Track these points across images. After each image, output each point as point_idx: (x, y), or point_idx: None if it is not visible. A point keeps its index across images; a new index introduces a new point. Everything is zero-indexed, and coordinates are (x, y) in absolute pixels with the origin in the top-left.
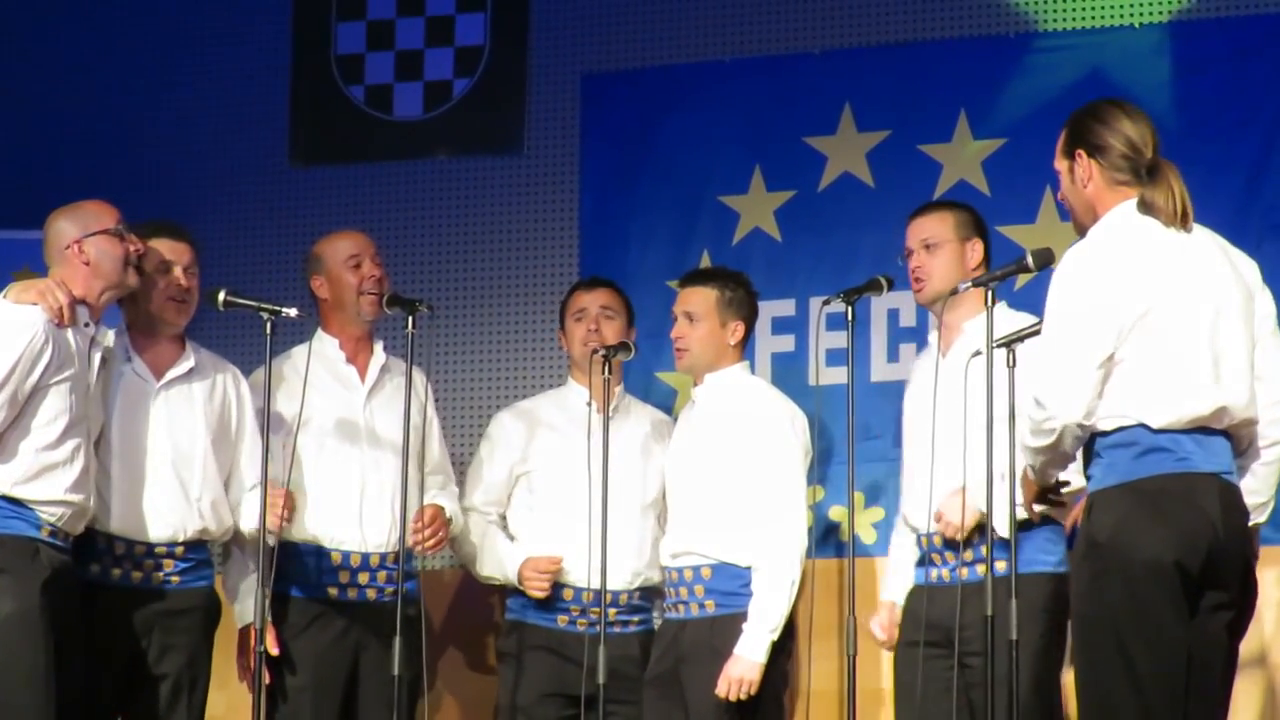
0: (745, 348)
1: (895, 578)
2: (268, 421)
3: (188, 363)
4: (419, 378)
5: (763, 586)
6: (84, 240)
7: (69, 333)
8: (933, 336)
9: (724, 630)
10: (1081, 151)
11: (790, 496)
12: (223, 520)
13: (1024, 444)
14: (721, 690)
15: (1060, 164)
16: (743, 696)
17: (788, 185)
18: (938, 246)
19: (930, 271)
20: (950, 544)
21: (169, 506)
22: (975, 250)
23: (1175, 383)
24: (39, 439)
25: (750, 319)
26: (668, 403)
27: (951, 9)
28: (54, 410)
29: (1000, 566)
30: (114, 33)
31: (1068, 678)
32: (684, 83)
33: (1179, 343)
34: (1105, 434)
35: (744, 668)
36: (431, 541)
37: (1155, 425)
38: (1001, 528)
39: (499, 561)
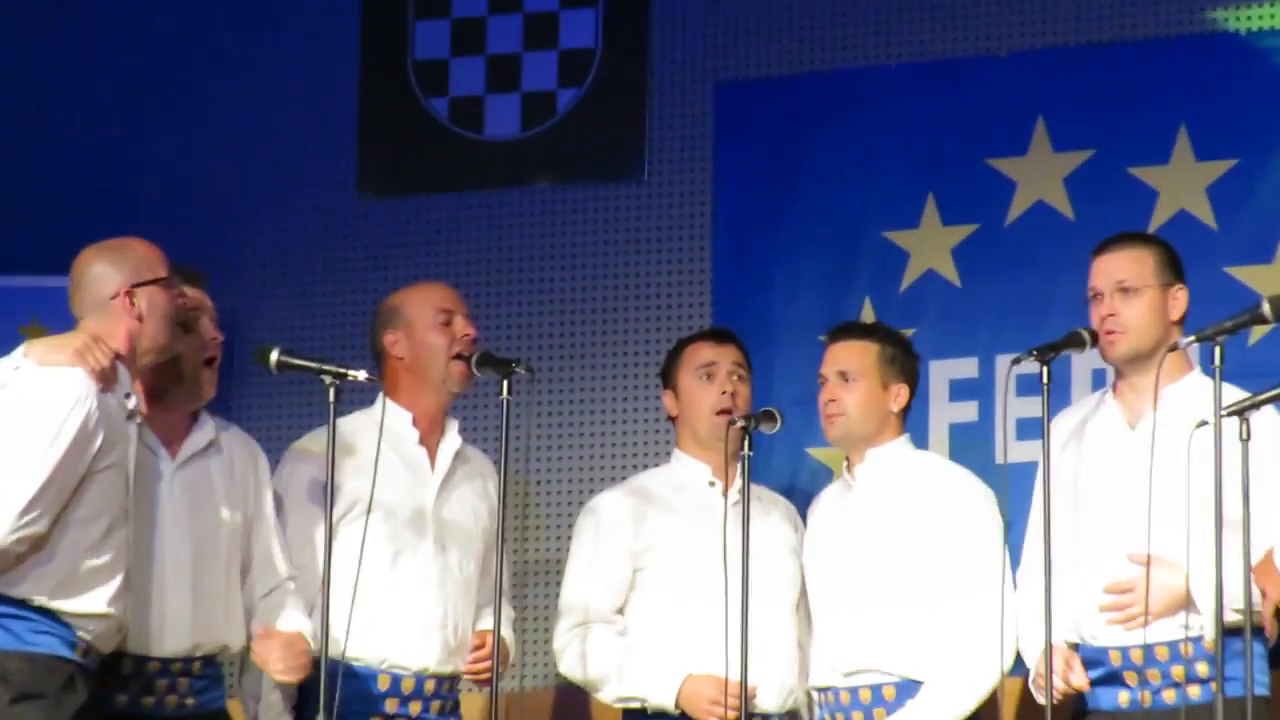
0: (905, 419)
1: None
2: (330, 507)
3: (204, 434)
4: (491, 471)
5: (944, 683)
6: (135, 290)
7: (111, 402)
8: (1109, 398)
9: None
10: None
11: (994, 602)
12: (241, 629)
13: None
14: None
15: None
16: None
17: (968, 218)
18: (1136, 292)
19: (1128, 322)
20: (1154, 659)
21: (187, 615)
22: (1179, 299)
23: None
24: (81, 538)
25: (913, 385)
26: (820, 484)
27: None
28: (99, 503)
29: (1194, 692)
30: (146, 32)
31: None
32: (840, 93)
33: None
34: None
35: None
36: (481, 667)
37: None
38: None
39: (646, 681)
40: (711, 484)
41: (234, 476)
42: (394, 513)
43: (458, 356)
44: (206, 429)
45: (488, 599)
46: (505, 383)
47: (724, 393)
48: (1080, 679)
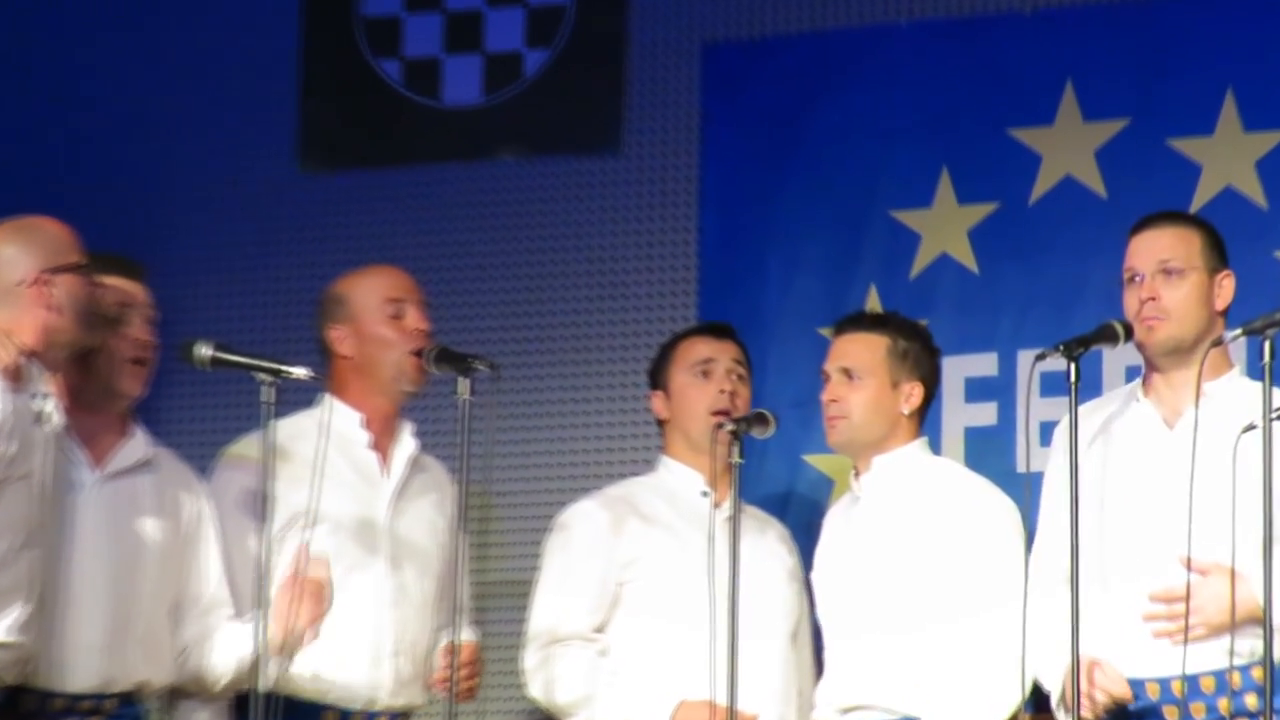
0: (922, 421)
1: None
2: (269, 520)
3: (137, 448)
4: (449, 481)
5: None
6: (51, 276)
7: (23, 404)
8: (1140, 395)
9: None
10: None
11: (1013, 626)
12: (165, 667)
13: None
14: None
15: None
16: None
17: (987, 196)
18: (1181, 274)
19: (1170, 307)
20: (1198, 691)
21: (98, 646)
22: (1226, 287)
23: None
24: None
25: (930, 382)
26: (819, 496)
27: None
28: (8, 518)
29: None
30: None
31: None
32: (844, 55)
33: None
34: None
35: None
36: (466, 686)
37: None
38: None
39: (630, 708)
40: (704, 494)
41: (168, 500)
42: (342, 525)
43: (412, 352)
44: (140, 443)
45: (447, 622)
46: (465, 382)
47: (722, 392)
48: (1119, 686)
